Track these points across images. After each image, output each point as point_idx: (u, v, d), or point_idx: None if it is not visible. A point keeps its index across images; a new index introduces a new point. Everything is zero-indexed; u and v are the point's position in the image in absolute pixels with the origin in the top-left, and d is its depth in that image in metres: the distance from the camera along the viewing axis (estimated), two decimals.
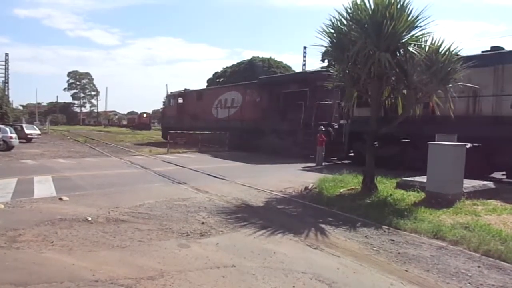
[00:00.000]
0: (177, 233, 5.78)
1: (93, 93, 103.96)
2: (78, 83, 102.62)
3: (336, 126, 17.87)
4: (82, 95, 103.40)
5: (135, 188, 9.64)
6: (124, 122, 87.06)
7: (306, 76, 20.46)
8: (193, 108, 28.33)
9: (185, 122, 27.94)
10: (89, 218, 6.42)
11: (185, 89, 30.75)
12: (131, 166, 14.63)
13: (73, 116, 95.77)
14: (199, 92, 29.74)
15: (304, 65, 48.84)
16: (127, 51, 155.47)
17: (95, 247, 5.09)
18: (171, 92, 32.78)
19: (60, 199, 8.01)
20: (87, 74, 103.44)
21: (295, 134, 18.53)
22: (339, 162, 17.09)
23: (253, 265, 4.58)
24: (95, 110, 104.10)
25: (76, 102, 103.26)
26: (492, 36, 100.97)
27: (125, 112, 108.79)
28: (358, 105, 10.84)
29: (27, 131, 27.52)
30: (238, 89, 24.55)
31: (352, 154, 16.49)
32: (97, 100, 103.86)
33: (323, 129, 16.13)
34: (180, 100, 30.23)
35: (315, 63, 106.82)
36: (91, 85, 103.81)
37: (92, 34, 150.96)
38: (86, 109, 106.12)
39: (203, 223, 6.38)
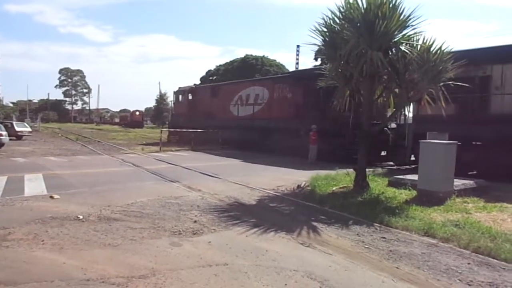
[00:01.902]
0: (169, 232, 5.76)
1: (85, 90, 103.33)
2: (69, 80, 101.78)
3: (394, 126, 15.90)
4: (73, 92, 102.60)
5: (127, 186, 9.59)
6: (117, 120, 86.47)
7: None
8: (206, 105, 25.36)
9: (197, 120, 24.66)
10: (81, 217, 6.38)
11: (195, 84, 28.82)
12: (123, 164, 14.54)
13: (64, 114, 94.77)
14: (214, 87, 26.80)
15: (297, 63, 48.97)
16: (120, 48, 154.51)
17: (87, 245, 5.06)
18: (180, 88, 29.89)
19: (51, 197, 7.94)
20: (79, 71, 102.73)
21: (341, 136, 15.85)
22: (397, 167, 14.55)
23: (246, 263, 4.59)
24: (87, 108, 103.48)
25: (67, 99, 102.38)
26: (483, 35, 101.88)
27: (118, 110, 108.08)
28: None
29: (17, 129, 27.19)
30: (264, 84, 21.81)
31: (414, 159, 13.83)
32: (89, 98, 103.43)
33: (315, 127, 15.93)
34: (191, 97, 27.40)
35: (308, 62, 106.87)
36: (83, 82, 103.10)
37: (85, 31, 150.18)
38: (78, 106, 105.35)
39: (195, 221, 6.37)
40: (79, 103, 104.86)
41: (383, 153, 16.25)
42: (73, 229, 5.71)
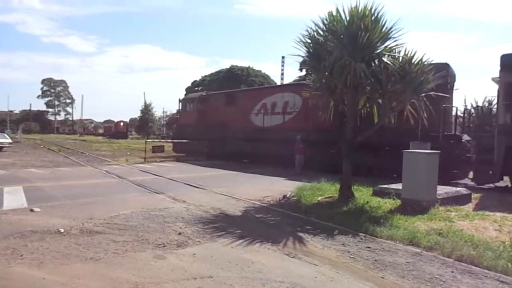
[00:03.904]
0: (153, 244, 5.67)
1: (68, 101, 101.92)
2: (52, 90, 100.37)
3: (467, 138, 13.95)
4: (56, 103, 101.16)
5: (110, 199, 9.43)
6: (101, 131, 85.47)
7: None
8: (220, 114, 22.58)
9: (208, 131, 22.57)
10: (62, 230, 6.23)
11: (206, 92, 26.36)
12: (107, 176, 14.32)
13: (47, 125, 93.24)
14: (229, 94, 24.27)
15: (282, 74, 49.52)
16: (104, 59, 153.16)
17: (68, 260, 4.93)
18: (188, 95, 27.85)
19: (32, 210, 7.73)
20: (62, 81, 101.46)
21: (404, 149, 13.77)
22: (480, 186, 12.26)
23: (231, 275, 4.54)
24: (70, 118, 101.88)
25: (50, 110, 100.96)
26: (462, 47, 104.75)
27: (102, 121, 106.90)
28: None
29: None
30: (294, 90, 18.69)
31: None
32: (73, 108, 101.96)
33: (299, 137, 15.84)
34: (201, 105, 24.67)
35: (293, 73, 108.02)
36: (66, 92, 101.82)
37: (68, 41, 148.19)
38: (61, 117, 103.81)
39: (180, 233, 6.28)
40: (62, 113, 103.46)
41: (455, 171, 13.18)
42: (53, 243, 5.56)
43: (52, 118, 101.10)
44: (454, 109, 14.63)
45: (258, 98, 20.91)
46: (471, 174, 12.97)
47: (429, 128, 12.00)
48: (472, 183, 12.53)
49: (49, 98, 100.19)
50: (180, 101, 27.72)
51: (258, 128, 20.10)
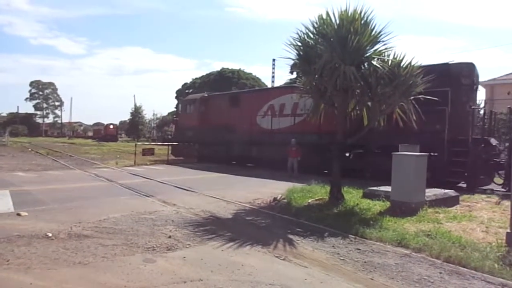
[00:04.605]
0: (143, 248, 5.63)
1: (57, 103, 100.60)
2: (40, 93, 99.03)
3: (496, 143, 13.06)
4: (45, 105, 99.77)
5: (99, 202, 9.34)
6: (90, 134, 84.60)
7: (447, 70, 12.59)
8: (224, 116, 21.44)
9: (211, 134, 21.61)
10: (50, 234, 6.14)
11: (208, 93, 25.24)
12: (96, 179, 14.18)
13: (35, 127, 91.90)
14: (233, 95, 23.18)
15: (273, 77, 49.74)
16: (94, 61, 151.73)
17: (55, 264, 4.87)
18: (188, 96, 26.25)
19: (18, 214, 7.61)
20: (51, 83, 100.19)
21: (434, 154, 12.07)
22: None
23: (221, 278, 4.52)
24: (59, 121, 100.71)
25: (38, 112, 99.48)
26: (451, 51, 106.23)
27: (91, 123, 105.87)
28: None
29: None
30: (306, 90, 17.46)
31: None
32: (61, 111, 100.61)
33: (294, 140, 15.72)
34: (203, 107, 23.41)
35: (284, 75, 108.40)
36: (55, 95, 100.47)
37: (57, 43, 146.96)
38: (49, 120, 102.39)
39: (170, 236, 6.25)
40: (51, 116, 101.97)
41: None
42: (41, 248, 5.49)
43: (40, 121, 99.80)
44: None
45: (265, 99, 19.73)
46: (497, 179, 12.21)
47: (457, 131, 11.88)
48: (503, 189, 11.29)
49: (37, 101, 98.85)
50: (179, 102, 26.07)
51: (265, 131, 18.96)
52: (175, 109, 63.04)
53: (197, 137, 22.63)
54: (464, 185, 12.22)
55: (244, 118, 20.07)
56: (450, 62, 12.73)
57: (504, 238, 5.71)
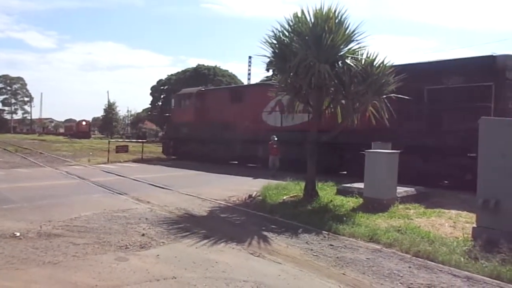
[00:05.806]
0: (115, 246, 5.54)
1: (26, 99, 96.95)
2: (8, 88, 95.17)
3: None
4: (13, 101, 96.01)
5: (71, 200, 9.11)
6: (61, 130, 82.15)
7: (491, 62, 11.24)
8: (223, 112, 19.99)
9: (209, 131, 20.22)
10: (18, 234, 5.96)
11: (204, 87, 23.77)
12: (67, 177, 13.83)
13: (2, 124, 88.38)
14: (234, 90, 21.88)
15: (249, 74, 49.56)
16: (65, 55, 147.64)
17: (24, 264, 4.72)
18: (183, 90, 24.59)
19: None
20: (20, 78, 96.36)
21: (463, 156, 10.82)
22: None
23: (194, 276, 4.51)
24: (29, 117, 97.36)
25: (6, 108, 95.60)
26: (424, 51, 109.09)
27: (63, 120, 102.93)
28: None
29: None
30: None
31: None
32: (31, 107, 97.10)
33: (275, 137, 15.59)
34: (199, 102, 21.92)
35: (260, 73, 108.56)
36: (24, 90, 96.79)
37: (26, 36, 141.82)
38: (18, 116, 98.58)
39: (143, 234, 6.17)
40: (20, 112, 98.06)
41: None
42: (8, 248, 5.31)
43: (8, 117, 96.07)
44: None
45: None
46: None
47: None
48: None
49: (5, 96, 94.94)
50: (172, 96, 24.63)
51: (273, 129, 17.14)
52: (149, 106, 62.16)
53: (193, 134, 21.42)
54: None
55: (248, 114, 18.62)
56: (494, 54, 11.52)
57: (470, 232, 5.94)
